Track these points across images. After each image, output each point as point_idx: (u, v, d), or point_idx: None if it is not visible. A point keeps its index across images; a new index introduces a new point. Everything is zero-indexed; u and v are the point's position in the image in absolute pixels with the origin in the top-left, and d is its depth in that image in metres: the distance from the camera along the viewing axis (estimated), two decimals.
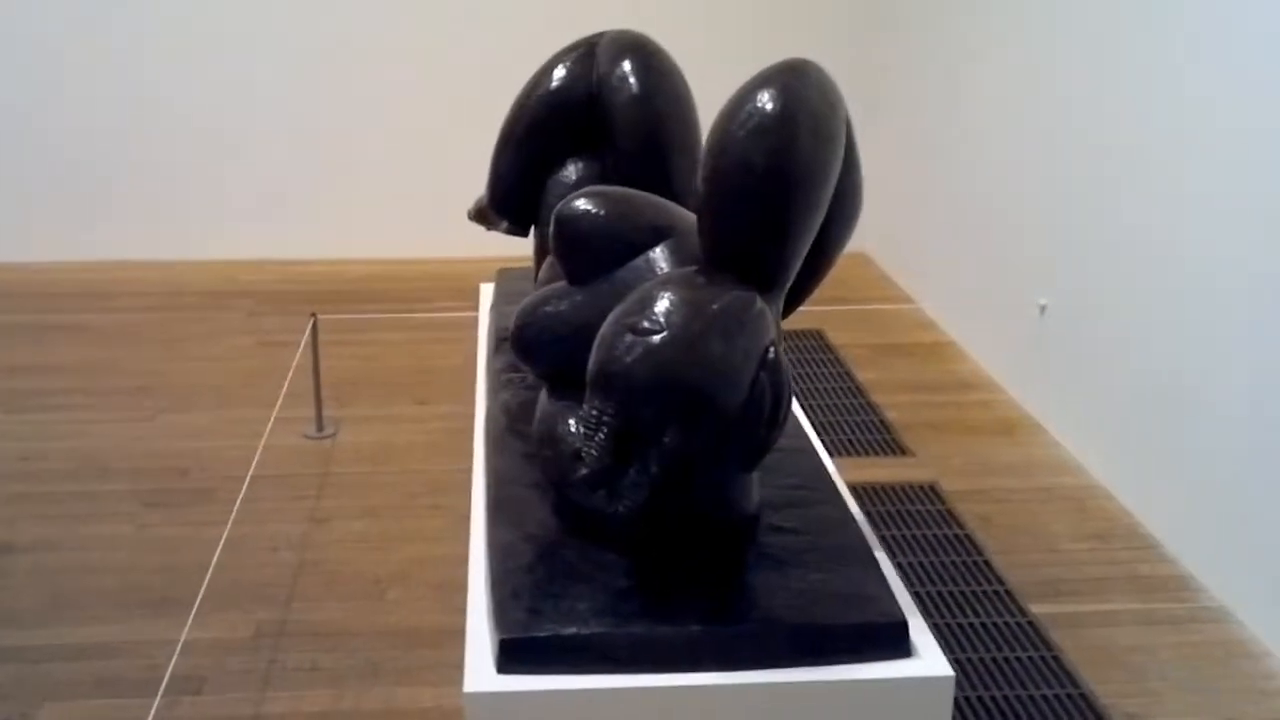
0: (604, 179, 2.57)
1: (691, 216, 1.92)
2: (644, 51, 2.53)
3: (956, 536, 3.28)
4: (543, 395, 1.94)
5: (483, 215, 2.77)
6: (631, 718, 1.57)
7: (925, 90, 5.07)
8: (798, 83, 1.61)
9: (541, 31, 5.25)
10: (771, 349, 1.58)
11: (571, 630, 1.59)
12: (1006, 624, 2.89)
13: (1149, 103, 3.40)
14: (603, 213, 1.86)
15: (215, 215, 5.44)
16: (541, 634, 1.58)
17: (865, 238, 4.21)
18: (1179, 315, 3.26)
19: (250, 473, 3.40)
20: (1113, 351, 3.62)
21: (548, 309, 1.91)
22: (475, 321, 3.79)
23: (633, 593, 1.66)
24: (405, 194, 5.44)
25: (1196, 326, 3.18)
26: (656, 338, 1.51)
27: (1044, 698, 2.61)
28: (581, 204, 1.88)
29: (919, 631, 1.65)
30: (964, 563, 3.14)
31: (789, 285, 1.69)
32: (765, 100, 1.59)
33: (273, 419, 3.75)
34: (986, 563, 3.16)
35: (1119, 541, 3.30)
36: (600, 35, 2.61)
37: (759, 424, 1.58)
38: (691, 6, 5.33)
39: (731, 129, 1.61)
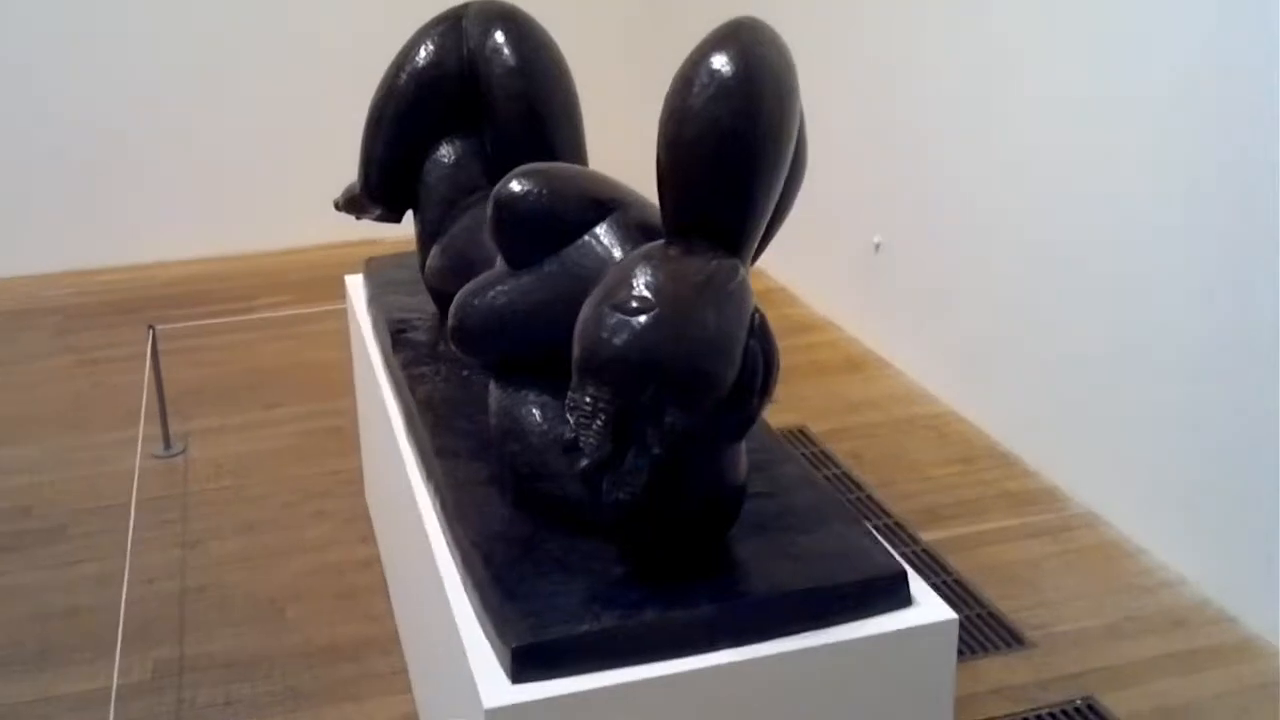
0: (482, 156, 2.49)
1: (627, 187, 1.88)
2: (516, 21, 2.46)
3: (837, 476, 3.36)
4: (493, 387, 1.87)
5: (354, 203, 2.65)
6: (657, 708, 1.55)
7: None
8: (754, 41, 1.58)
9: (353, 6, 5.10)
10: (757, 314, 1.57)
11: (584, 628, 1.55)
12: (904, 554, 2.94)
13: (970, 40, 3.53)
14: (543, 191, 1.80)
15: (2, 230, 5.00)
16: (554, 636, 1.53)
17: None
18: (1013, 236, 3.43)
19: (101, 503, 3.18)
20: (949, 281, 3.78)
21: (490, 296, 1.84)
22: (343, 315, 3.65)
23: (631, 580, 1.63)
24: (209, 190, 5.15)
25: (1033, 247, 3.35)
26: (646, 316, 1.47)
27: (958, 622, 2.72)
28: (519, 184, 1.81)
29: (913, 579, 1.68)
30: (850, 500, 3.22)
31: (755, 248, 1.67)
32: (724, 62, 1.55)
33: (111, 442, 3.51)
34: (869, 498, 3.25)
35: (983, 462, 3.46)
36: (465, 7, 2.52)
37: (752, 393, 1.56)
38: None
39: (691, 94, 1.56)
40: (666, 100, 1.61)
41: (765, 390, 1.59)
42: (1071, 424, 3.27)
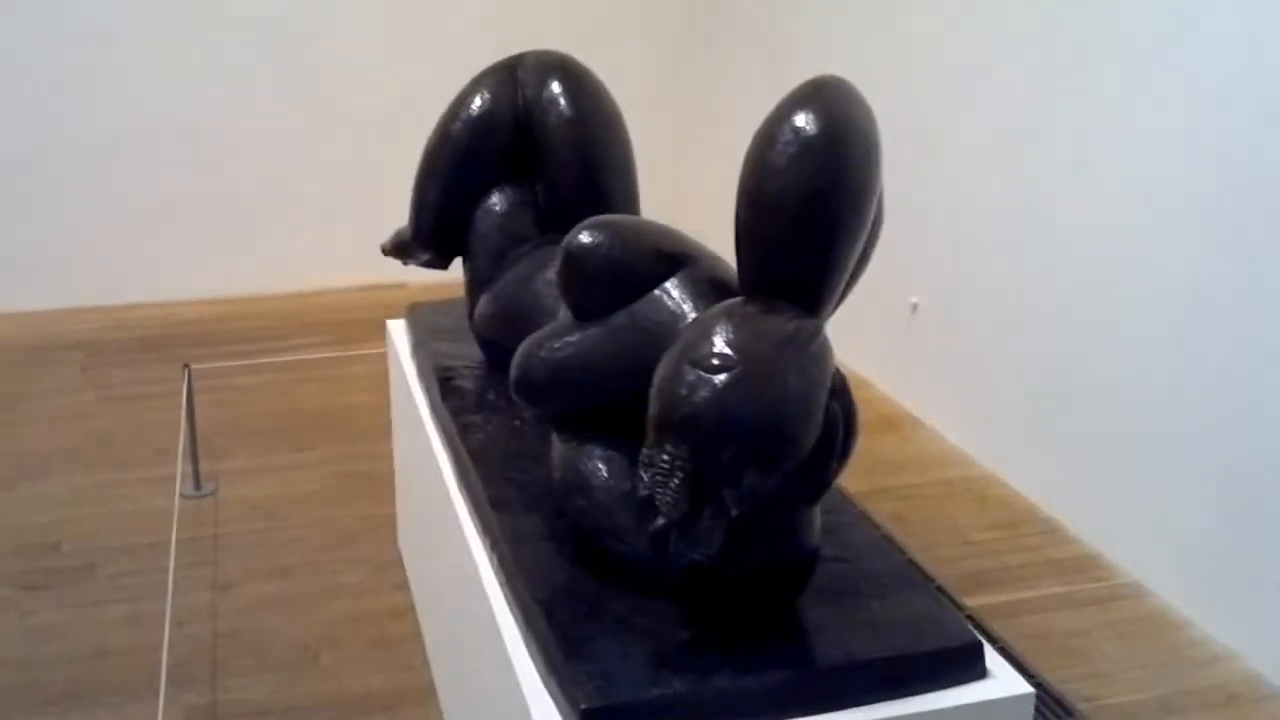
0: (534, 205, 2.47)
1: (696, 242, 1.85)
2: (572, 71, 2.45)
3: (878, 539, 3.30)
4: (555, 441, 1.83)
5: (402, 249, 2.63)
6: None
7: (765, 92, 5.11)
8: (840, 98, 1.56)
9: (376, 50, 5.11)
10: (837, 375, 1.53)
11: (655, 692, 1.50)
12: None
13: (1006, 101, 3.52)
14: (615, 244, 1.77)
15: (30, 262, 5.00)
16: (624, 699, 1.49)
17: None
18: (1052, 298, 3.39)
19: (132, 541, 3.14)
20: (987, 343, 3.74)
21: (556, 348, 1.80)
22: (376, 359, 3.63)
23: (700, 644, 1.59)
24: (235, 228, 5.15)
25: (1071, 310, 3.31)
26: (728, 374, 1.43)
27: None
28: (590, 236, 1.78)
29: (987, 650, 1.63)
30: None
31: (835, 307, 1.64)
32: (810, 119, 1.53)
33: (141, 480, 3.48)
34: (912, 561, 3.19)
35: (1025, 527, 3.41)
36: (520, 57, 2.52)
37: (831, 456, 1.53)
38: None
39: (774, 150, 1.54)
40: (748, 156, 1.59)
41: (844, 453, 1.55)
42: (1112, 490, 3.22)
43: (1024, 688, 1.60)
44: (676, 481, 1.45)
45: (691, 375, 1.45)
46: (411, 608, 2.88)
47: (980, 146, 3.67)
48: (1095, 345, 3.25)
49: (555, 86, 2.42)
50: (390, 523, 3.22)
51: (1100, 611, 2.99)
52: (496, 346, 2.45)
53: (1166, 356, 3.00)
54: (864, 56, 4.27)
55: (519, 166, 2.47)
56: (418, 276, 5.10)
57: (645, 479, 1.48)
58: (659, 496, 1.45)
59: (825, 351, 1.51)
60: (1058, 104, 3.34)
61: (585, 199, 2.42)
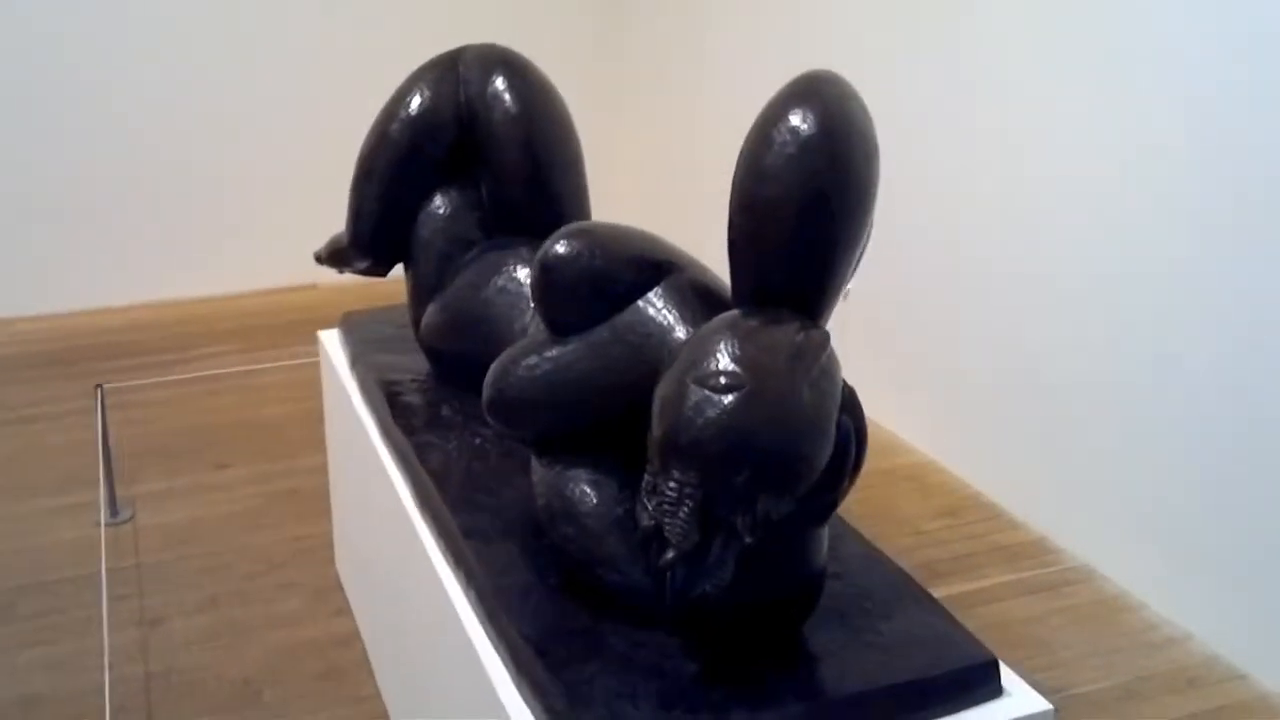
0: (479, 207, 2.35)
1: (676, 247, 1.75)
2: (517, 66, 2.33)
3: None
4: (536, 464, 1.72)
5: (339, 256, 2.48)
6: None
7: (688, 82, 5.04)
8: (838, 95, 1.47)
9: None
10: (846, 387, 1.45)
11: None
12: None
13: (929, 89, 3.48)
14: (595, 253, 1.66)
15: None
16: None
17: None
18: (986, 285, 3.38)
19: (48, 577, 2.94)
20: (923, 328, 3.71)
21: (532, 366, 1.69)
22: (294, 369, 3.46)
23: (712, 677, 1.50)
24: (133, 233, 4.89)
25: (1009, 294, 3.30)
26: (737, 393, 1.34)
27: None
28: (567, 246, 1.66)
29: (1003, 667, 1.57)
30: None
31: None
32: (806, 118, 1.44)
33: (52, 509, 3.27)
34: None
35: (969, 514, 3.39)
36: (460, 51, 2.39)
37: (843, 474, 1.45)
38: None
39: (770, 152, 1.45)
40: (742, 158, 1.50)
41: (856, 470, 1.47)
42: (1056, 474, 3.22)
43: (1043, 704, 1.55)
44: (686, 510, 1.35)
45: (698, 395, 1.35)
46: (356, 634, 2.74)
47: (923, 118, 3.62)
48: (1032, 329, 3.24)
49: (499, 82, 2.30)
50: (325, 544, 3.06)
51: (1055, 597, 2.98)
52: (446, 357, 2.33)
53: (1104, 339, 3.00)
54: (789, 42, 4.21)
55: (462, 167, 2.35)
56: (328, 277, 4.92)
57: (650, 508, 1.38)
58: (668, 527, 1.35)
59: (834, 363, 1.43)
60: (986, 94, 3.32)
61: (534, 200, 2.31)
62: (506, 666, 1.59)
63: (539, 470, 1.71)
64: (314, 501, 3.27)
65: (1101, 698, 2.59)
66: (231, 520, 3.25)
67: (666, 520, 1.35)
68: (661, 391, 1.40)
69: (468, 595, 1.75)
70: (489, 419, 1.77)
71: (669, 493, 1.35)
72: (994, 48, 3.30)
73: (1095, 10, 2.93)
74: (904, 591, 1.68)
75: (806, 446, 1.36)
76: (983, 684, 1.54)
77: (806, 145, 1.43)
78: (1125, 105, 2.86)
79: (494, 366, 1.76)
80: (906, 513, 3.39)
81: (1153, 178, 2.81)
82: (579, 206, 2.35)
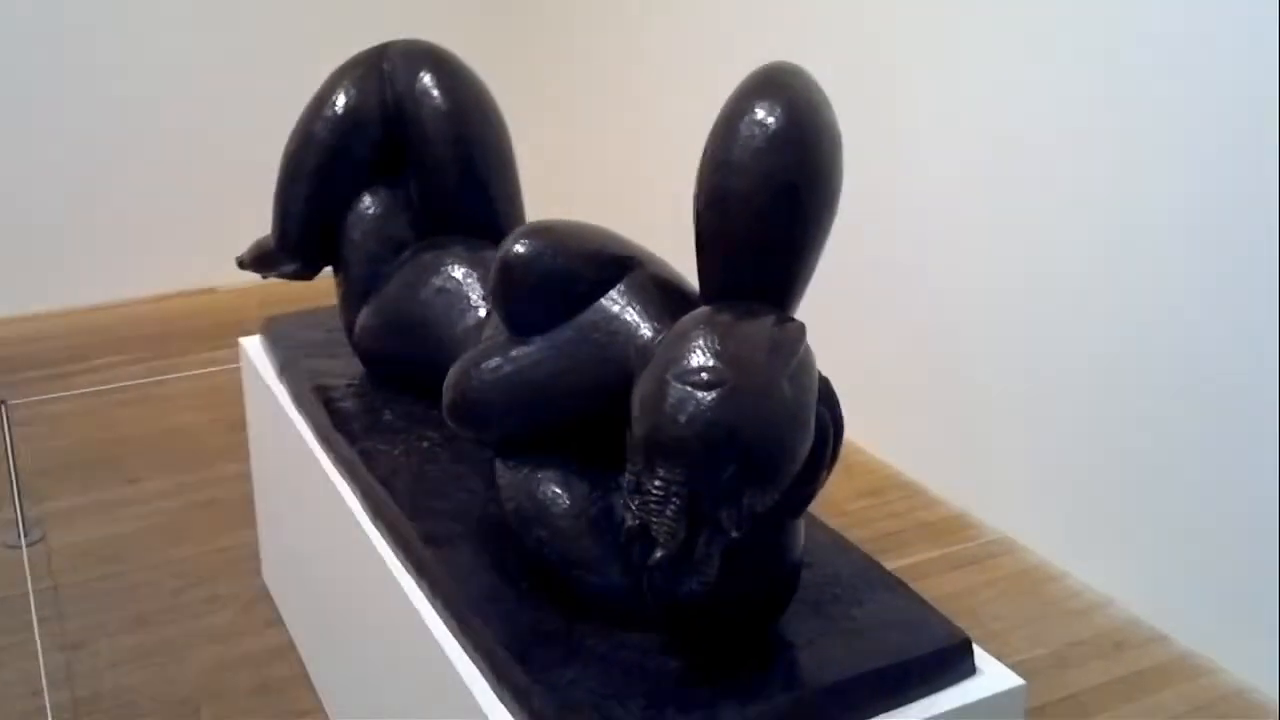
0: (409, 207, 2.32)
1: (634, 242, 1.74)
2: (445, 62, 2.31)
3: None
4: (500, 468, 1.70)
5: (264, 260, 2.42)
6: None
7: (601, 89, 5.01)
8: (802, 87, 1.48)
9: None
10: (821, 378, 1.46)
11: None
12: None
13: (863, 87, 3.53)
14: (556, 252, 1.65)
15: None
16: None
17: None
18: (898, 264, 3.45)
19: None
20: (838, 318, 3.76)
21: (495, 366, 1.67)
22: (202, 377, 3.35)
23: (697, 675, 1.51)
24: (27, 241, 4.68)
25: (920, 275, 3.38)
26: (720, 390, 1.34)
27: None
28: (527, 245, 1.65)
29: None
30: None
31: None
32: (772, 110, 1.45)
33: None
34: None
35: (890, 493, 3.46)
36: (384, 48, 2.34)
37: (822, 465, 1.46)
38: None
39: (738, 145, 1.45)
40: (707, 152, 1.50)
41: (833, 460, 1.49)
42: (970, 449, 3.30)
43: (1016, 680, 1.59)
44: (673, 508, 1.35)
45: (680, 393, 1.34)
46: (291, 645, 2.68)
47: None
48: (943, 315, 3.31)
49: (427, 78, 2.27)
50: (249, 554, 2.99)
51: (979, 571, 3.06)
52: (383, 361, 2.29)
53: (1015, 316, 3.08)
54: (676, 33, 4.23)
55: (390, 166, 2.31)
56: (231, 280, 4.79)
57: (634, 507, 1.38)
58: (655, 525, 1.35)
59: (810, 354, 1.44)
60: (907, 90, 3.37)
61: (466, 197, 2.29)
62: (484, 674, 1.57)
63: (505, 474, 1.69)
64: (234, 511, 3.19)
65: (1036, 666, 2.66)
66: (149, 535, 3.15)
67: (654, 519, 1.35)
68: (641, 390, 1.40)
69: (434, 604, 1.72)
70: (451, 423, 1.75)
71: (655, 491, 1.35)
72: (918, 45, 3.35)
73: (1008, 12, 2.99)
74: (872, 576, 1.71)
75: (789, 439, 1.37)
76: (958, 663, 1.57)
77: (774, 138, 1.44)
78: (1021, 100, 2.94)
79: (453, 370, 1.74)
80: (829, 493, 3.40)
81: (1053, 166, 2.89)
82: (512, 204, 2.33)
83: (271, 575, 2.86)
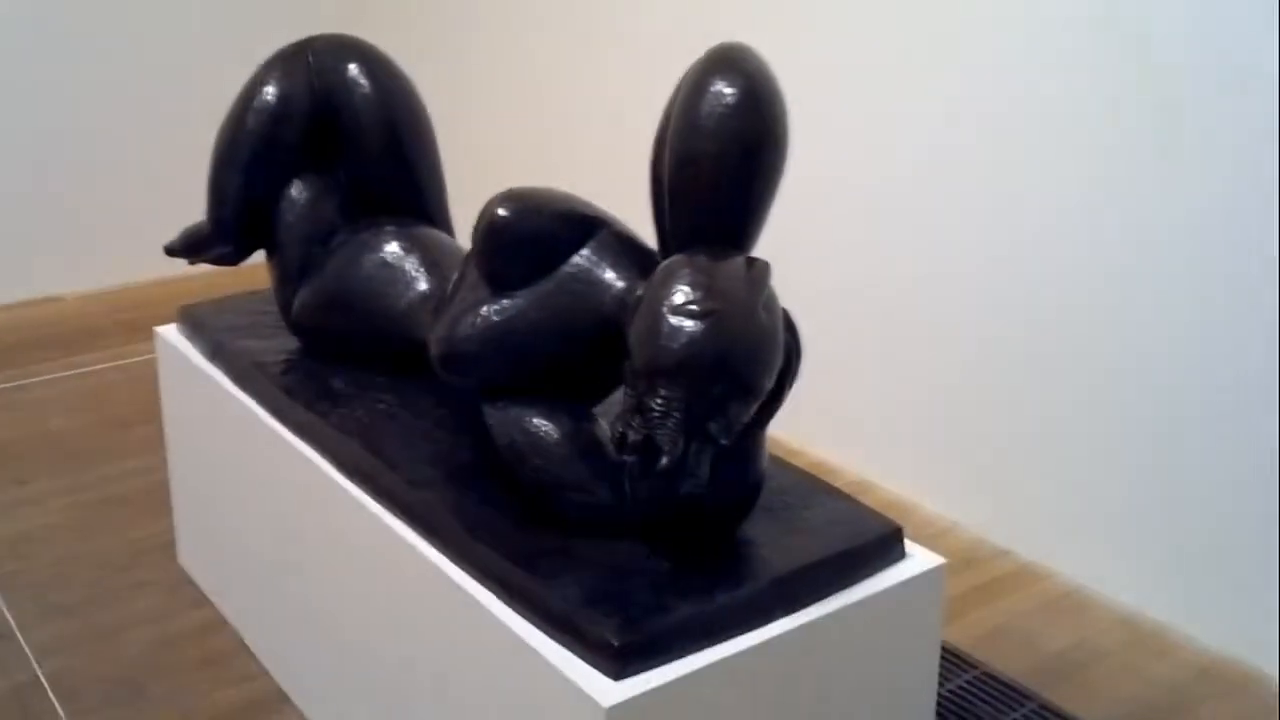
0: (337, 190, 2.49)
1: (597, 206, 1.97)
2: (370, 53, 2.51)
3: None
4: (488, 410, 1.91)
5: (196, 245, 2.56)
6: (738, 680, 1.69)
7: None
8: (753, 59, 1.75)
9: None
10: (784, 309, 1.74)
11: (671, 617, 1.67)
12: None
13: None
14: (535, 215, 1.88)
15: None
16: (652, 627, 1.64)
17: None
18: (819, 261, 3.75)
19: None
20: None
21: (483, 317, 1.89)
22: (94, 378, 3.37)
23: (688, 570, 1.76)
24: None
25: (840, 277, 3.67)
26: (711, 318, 1.59)
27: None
28: (510, 209, 1.88)
29: None
30: None
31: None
32: (734, 80, 1.71)
33: None
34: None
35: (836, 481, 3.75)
36: (308, 42, 2.52)
37: (786, 383, 1.74)
38: None
39: (702, 113, 1.71)
40: (674, 120, 1.75)
41: (793, 379, 1.77)
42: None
43: (937, 560, 1.91)
44: (674, 421, 1.60)
45: (676, 322, 1.60)
46: (224, 621, 2.78)
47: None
48: (878, 304, 3.62)
49: (354, 68, 2.45)
50: (161, 543, 3.06)
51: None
52: (326, 335, 2.45)
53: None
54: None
55: (317, 152, 2.47)
56: (79, 287, 4.75)
57: (635, 425, 1.62)
58: (660, 436, 1.60)
59: (773, 289, 1.71)
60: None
61: (396, 180, 2.48)
62: (496, 593, 1.77)
63: (494, 414, 1.90)
64: (136, 505, 3.26)
65: None
66: (53, 532, 3.17)
67: (658, 432, 1.60)
68: (638, 326, 1.64)
69: (430, 541, 1.91)
70: (441, 372, 1.94)
71: (656, 408, 1.60)
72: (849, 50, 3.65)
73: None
74: (814, 485, 2.01)
75: (767, 357, 1.65)
76: (892, 549, 1.88)
77: (737, 106, 1.71)
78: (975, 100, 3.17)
79: (439, 325, 1.94)
80: None
81: (1024, 163, 3.16)
82: (438, 186, 2.54)
83: (193, 559, 2.95)
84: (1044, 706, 2.51)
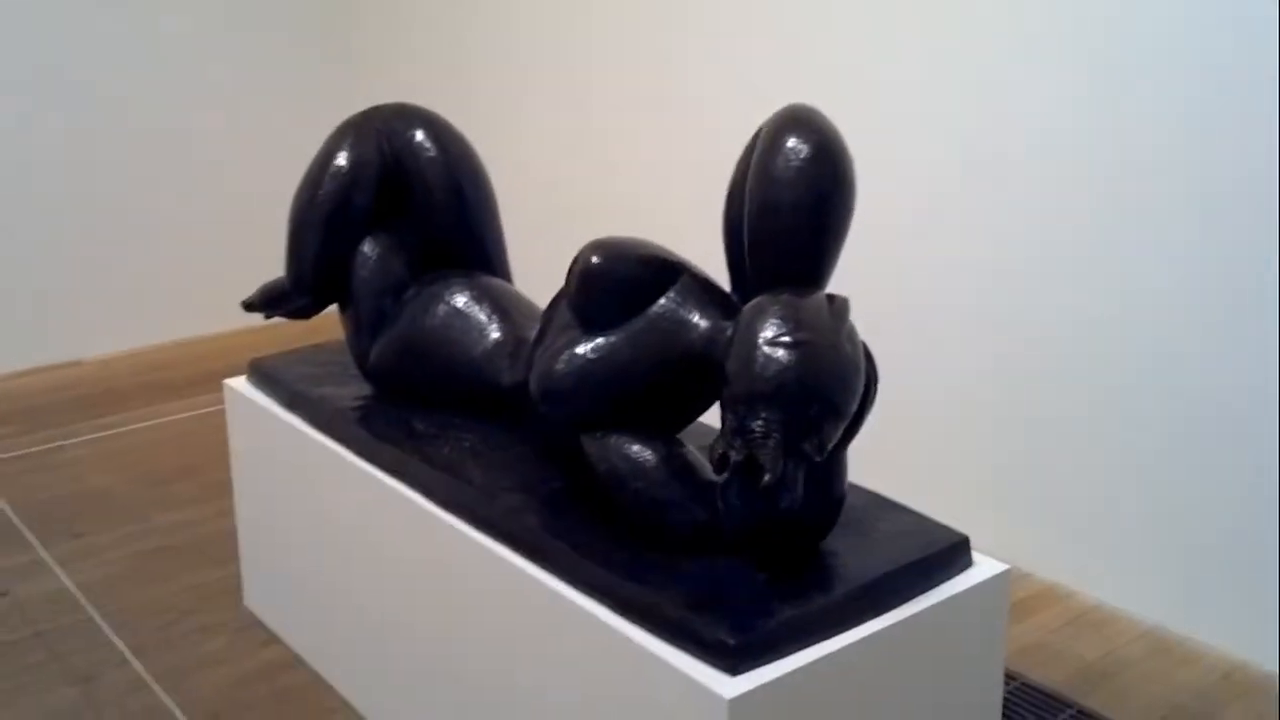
0: (405, 248, 2.67)
1: (675, 253, 2.16)
2: (436, 121, 2.71)
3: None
4: (586, 441, 2.07)
5: (275, 299, 2.73)
6: (843, 675, 1.86)
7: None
8: (820, 117, 1.96)
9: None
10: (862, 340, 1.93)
11: (775, 620, 1.83)
12: None
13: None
14: (628, 261, 2.07)
15: None
16: (763, 628, 1.81)
17: None
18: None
19: None
20: None
21: (579, 355, 2.06)
22: (127, 439, 3.51)
23: (785, 579, 1.94)
24: None
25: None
26: (803, 349, 1.79)
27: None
28: (603, 257, 2.06)
29: None
30: None
31: None
32: (808, 136, 1.92)
33: None
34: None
35: None
36: (374, 111, 2.72)
37: (866, 406, 1.92)
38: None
39: (777, 166, 1.90)
40: (753, 172, 1.95)
41: (871, 403, 1.95)
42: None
43: (1002, 566, 2.09)
44: (774, 441, 1.78)
45: (772, 353, 1.79)
46: (298, 659, 2.90)
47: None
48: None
49: (420, 135, 2.66)
50: (226, 588, 3.19)
51: None
52: (397, 383, 2.62)
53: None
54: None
55: (387, 213, 2.66)
56: (98, 351, 4.86)
57: (738, 445, 1.79)
58: (762, 457, 1.77)
59: (853, 323, 1.90)
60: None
61: (460, 236, 2.67)
62: (608, 606, 1.93)
63: (592, 444, 2.06)
64: (192, 554, 3.39)
65: None
66: (115, 582, 3.28)
67: (760, 452, 1.77)
68: (736, 359, 1.83)
69: (536, 563, 2.06)
70: (542, 407, 2.11)
71: (757, 430, 1.78)
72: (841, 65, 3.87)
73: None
74: (881, 502, 2.18)
75: (852, 382, 1.84)
76: (960, 557, 2.06)
77: (812, 158, 1.91)
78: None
79: (537, 363, 2.12)
80: None
81: (1024, 165, 3.19)
82: (498, 240, 2.73)
83: (261, 601, 3.06)
84: (1083, 711, 2.68)
